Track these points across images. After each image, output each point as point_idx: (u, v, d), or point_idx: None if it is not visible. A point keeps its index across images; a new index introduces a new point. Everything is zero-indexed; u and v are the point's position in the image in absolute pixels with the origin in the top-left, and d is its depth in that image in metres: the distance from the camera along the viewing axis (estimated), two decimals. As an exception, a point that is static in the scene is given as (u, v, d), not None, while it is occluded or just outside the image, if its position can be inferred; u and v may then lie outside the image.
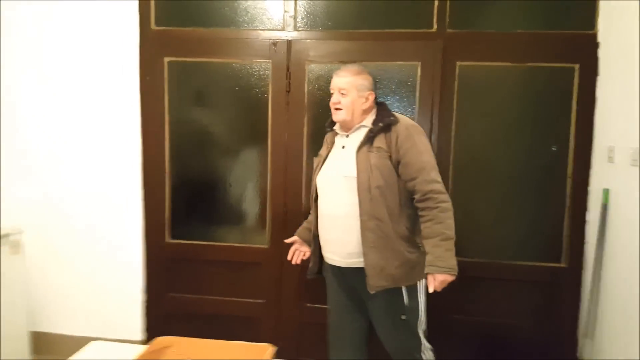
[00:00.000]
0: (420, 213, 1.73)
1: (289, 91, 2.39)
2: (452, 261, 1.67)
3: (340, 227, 1.79)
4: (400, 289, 1.76)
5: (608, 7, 2.20)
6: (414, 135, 1.76)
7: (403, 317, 1.78)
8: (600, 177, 2.24)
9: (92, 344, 1.66)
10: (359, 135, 1.80)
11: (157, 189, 2.53)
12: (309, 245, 1.99)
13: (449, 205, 1.71)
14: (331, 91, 1.85)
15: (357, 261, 1.76)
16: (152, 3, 2.46)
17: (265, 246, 2.49)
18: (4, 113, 2.60)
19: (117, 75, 2.50)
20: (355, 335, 1.93)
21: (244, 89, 2.46)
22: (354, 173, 1.73)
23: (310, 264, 1.97)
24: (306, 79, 2.38)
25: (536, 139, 2.33)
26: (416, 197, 1.72)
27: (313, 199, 1.91)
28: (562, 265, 2.34)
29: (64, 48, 2.54)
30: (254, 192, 2.51)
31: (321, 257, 1.93)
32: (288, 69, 2.39)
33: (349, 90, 1.79)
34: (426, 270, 1.68)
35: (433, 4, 2.30)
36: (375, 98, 1.86)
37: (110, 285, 2.59)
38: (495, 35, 2.30)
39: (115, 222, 2.56)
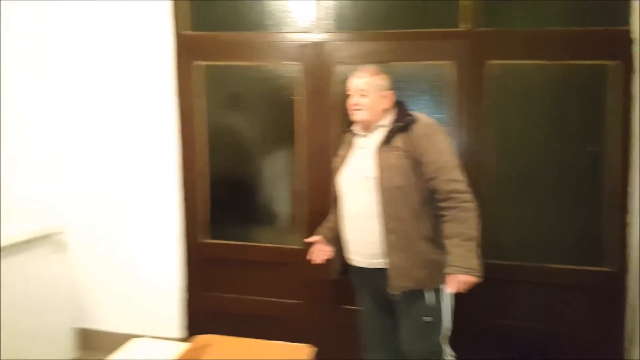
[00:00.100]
0: (442, 213, 1.71)
1: (318, 93, 2.40)
2: (474, 262, 1.64)
3: (362, 228, 1.78)
4: (424, 290, 1.74)
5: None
6: (433, 134, 1.74)
7: (426, 319, 1.75)
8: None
9: (134, 341, 1.70)
10: (379, 135, 1.80)
11: (196, 190, 2.58)
12: (331, 245, 1.99)
13: (471, 205, 1.69)
14: (348, 93, 1.85)
15: (380, 262, 1.75)
16: (185, 8, 2.50)
17: (300, 247, 2.50)
18: (57, 113, 2.69)
19: (152, 79, 2.55)
20: (387, 337, 1.92)
21: (275, 91, 2.48)
22: (374, 173, 1.72)
23: (334, 264, 1.97)
24: (335, 80, 2.38)
25: (571, 138, 2.26)
26: (438, 196, 1.70)
27: (335, 199, 1.91)
28: (605, 269, 2.26)
29: (98, 53, 2.61)
30: (288, 193, 2.53)
31: (345, 257, 1.92)
32: (317, 70, 2.39)
33: (369, 90, 1.78)
34: (446, 271, 1.66)
35: (463, 2, 2.25)
36: (394, 97, 1.85)
37: (150, 284, 2.65)
38: (526, 34, 2.23)
39: (154, 222, 2.62)
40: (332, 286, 2.45)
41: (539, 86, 2.27)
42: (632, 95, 2.16)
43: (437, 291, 1.75)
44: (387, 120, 1.81)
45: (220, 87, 2.56)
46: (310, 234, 2.42)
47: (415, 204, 1.71)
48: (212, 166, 2.58)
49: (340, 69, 2.37)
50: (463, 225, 1.66)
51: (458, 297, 1.75)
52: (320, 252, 2.03)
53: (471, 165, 2.21)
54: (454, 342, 1.84)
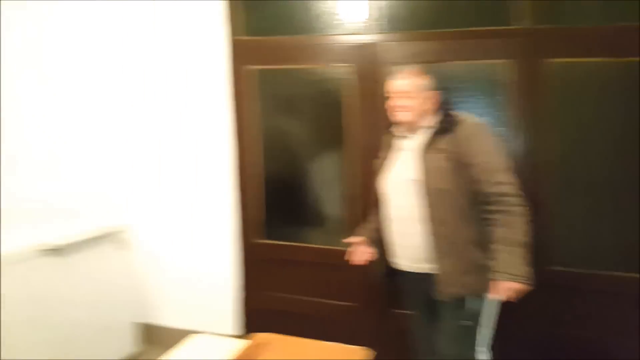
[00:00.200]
0: (490, 216, 1.65)
1: (370, 94, 2.40)
2: (522, 268, 1.58)
3: (406, 231, 1.75)
4: (470, 295, 1.69)
5: None
6: (479, 135, 1.69)
7: (464, 323, 1.70)
8: None
9: (194, 336, 1.76)
10: (422, 136, 1.76)
11: (251, 191, 2.64)
12: (374, 247, 1.96)
13: (521, 209, 1.63)
14: (388, 95, 1.83)
15: (426, 267, 1.72)
16: (239, 14, 2.56)
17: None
18: (119, 114, 2.83)
19: (208, 84, 2.63)
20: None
21: (327, 93, 2.50)
22: (418, 176, 1.69)
23: (378, 267, 1.95)
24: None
25: (636, 140, 2.12)
26: (485, 200, 1.65)
27: (377, 201, 1.89)
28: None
29: (157, 59, 2.71)
30: (340, 195, 2.54)
31: (388, 261, 1.89)
32: (369, 72, 2.39)
33: (413, 92, 1.75)
34: (492, 277, 1.61)
35: None
36: (439, 98, 1.80)
37: (208, 281, 2.74)
38: (586, 30, 2.12)
39: (210, 222, 2.71)
40: (385, 289, 2.44)
41: (601, 84, 2.16)
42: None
43: (481, 296, 1.70)
44: (431, 121, 1.77)
45: (273, 90, 2.61)
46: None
47: (461, 208, 1.67)
48: (266, 168, 2.63)
49: (391, 69, 2.36)
50: (511, 230, 1.61)
51: (509, 303, 1.69)
52: (361, 253, 2.01)
53: (529, 168, 2.14)
54: (504, 349, 1.78)
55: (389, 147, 1.92)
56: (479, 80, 2.29)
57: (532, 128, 2.20)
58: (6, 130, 2.74)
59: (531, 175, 2.15)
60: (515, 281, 1.58)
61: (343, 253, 2.49)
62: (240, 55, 2.58)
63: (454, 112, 1.78)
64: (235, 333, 2.69)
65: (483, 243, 1.68)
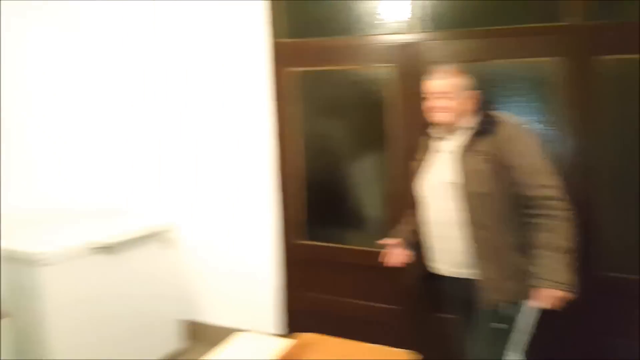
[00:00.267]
0: (532, 221, 1.60)
1: (414, 94, 2.37)
2: (565, 275, 1.53)
3: (445, 236, 1.72)
4: (512, 301, 1.65)
5: None
6: (521, 136, 1.64)
7: (497, 326, 1.65)
8: None
9: (239, 334, 1.79)
10: (462, 138, 1.72)
11: (292, 192, 2.67)
12: (410, 249, 1.94)
13: (565, 213, 1.57)
14: (426, 95, 1.79)
15: (465, 272, 1.68)
16: (281, 17, 2.58)
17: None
18: (160, 116, 2.93)
19: (250, 86, 2.67)
20: None
21: (369, 94, 2.49)
22: (457, 179, 1.65)
23: (415, 270, 1.93)
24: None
25: None
26: (527, 203, 1.60)
27: (413, 203, 1.86)
28: None
29: (198, 62, 2.78)
30: (383, 196, 2.53)
31: (426, 264, 1.87)
32: (412, 72, 2.36)
33: (452, 92, 1.70)
34: (533, 283, 1.56)
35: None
36: (478, 98, 1.76)
37: (250, 280, 2.79)
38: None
39: (253, 223, 2.75)
40: (425, 293, 2.41)
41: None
42: None
43: (523, 302, 1.65)
44: (471, 122, 1.73)
45: (315, 92, 2.62)
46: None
47: (502, 212, 1.63)
48: (308, 169, 2.65)
49: (430, 69, 2.33)
50: (555, 235, 1.55)
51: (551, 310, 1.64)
52: (396, 256, 1.99)
53: (578, 170, 2.07)
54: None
55: (426, 148, 1.89)
56: (526, 79, 2.22)
57: (582, 128, 2.12)
58: (61, 132, 2.87)
59: (581, 177, 2.08)
60: (558, 289, 1.53)
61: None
62: (282, 57, 2.61)
63: (495, 113, 1.73)
64: (277, 332, 2.73)
65: (525, 248, 1.64)
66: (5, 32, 2.53)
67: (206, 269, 2.90)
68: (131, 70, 2.95)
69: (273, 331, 2.73)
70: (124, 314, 2.50)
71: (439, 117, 1.75)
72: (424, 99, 1.83)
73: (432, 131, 1.87)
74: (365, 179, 2.60)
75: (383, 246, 2.03)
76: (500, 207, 1.62)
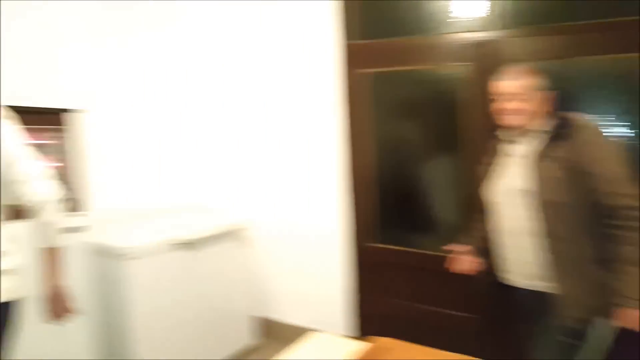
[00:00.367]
0: (613, 232, 1.47)
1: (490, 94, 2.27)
2: None
3: (518, 245, 1.62)
4: (592, 318, 1.52)
5: None
6: (602, 142, 1.51)
7: (572, 342, 1.53)
8: None
9: (315, 334, 1.79)
10: (536, 142, 1.60)
11: (363, 194, 2.65)
12: (479, 256, 1.85)
13: None
14: (496, 97, 1.68)
15: (539, 284, 1.58)
16: (353, 19, 2.58)
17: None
18: (234, 118, 3.02)
19: (320, 88, 2.68)
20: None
21: (443, 94, 2.42)
22: (530, 186, 1.55)
23: (485, 278, 1.83)
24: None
25: None
26: (608, 213, 1.47)
27: (482, 209, 1.77)
28: None
29: (267, 63, 2.84)
30: (456, 200, 2.45)
31: (496, 273, 1.77)
32: (489, 70, 2.26)
33: (525, 93, 1.59)
34: (615, 301, 1.44)
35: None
36: (554, 99, 1.63)
37: (322, 281, 2.80)
38: None
39: (324, 224, 2.76)
40: (497, 302, 2.30)
41: None
42: None
43: (602, 319, 1.52)
44: (545, 125, 1.61)
45: (387, 93, 2.59)
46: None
47: (580, 222, 1.51)
48: (379, 171, 2.62)
49: (501, 69, 2.22)
50: (638, 249, 1.42)
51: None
52: (465, 262, 1.91)
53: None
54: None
55: (496, 152, 1.79)
56: (610, 78, 2.06)
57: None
58: (146, 133, 3.05)
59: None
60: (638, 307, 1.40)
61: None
62: (354, 58, 2.60)
63: (572, 115, 1.60)
64: (348, 334, 2.72)
65: (606, 262, 1.51)
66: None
67: (279, 267, 2.95)
68: (212, 73, 3.07)
69: (343, 333, 2.73)
70: (201, 308, 2.60)
71: (510, 120, 1.65)
72: (493, 100, 1.73)
73: (502, 134, 1.77)
74: (438, 181, 2.52)
75: (452, 252, 1.97)
76: (578, 218, 1.51)
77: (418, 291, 2.56)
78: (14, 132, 1.37)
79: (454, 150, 2.41)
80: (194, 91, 3.14)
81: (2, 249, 1.38)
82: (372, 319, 2.68)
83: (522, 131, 1.66)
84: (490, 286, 1.85)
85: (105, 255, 2.32)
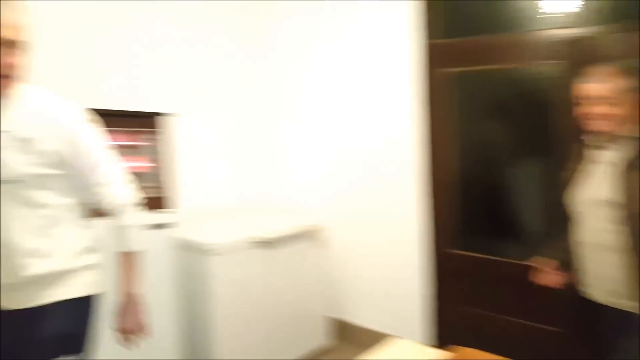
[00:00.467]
0: None
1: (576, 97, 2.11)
2: None
3: (601, 260, 1.50)
4: None
5: None
6: None
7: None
8: None
9: (395, 340, 1.76)
10: (625, 149, 1.46)
11: (443, 198, 2.58)
12: (565, 269, 1.72)
13: None
14: (583, 100, 1.54)
15: (621, 303, 1.46)
16: (436, 18, 2.52)
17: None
18: (313, 119, 3.06)
19: (400, 88, 2.64)
20: None
21: (532, 94, 2.30)
22: (618, 197, 1.42)
23: (569, 292, 1.71)
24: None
25: None
26: None
27: (566, 219, 1.65)
28: None
29: (346, 64, 2.84)
30: (543, 207, 2.31)
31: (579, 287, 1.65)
32: (581, 69, 2.11)
33: (616, 96, 1.46)
34: None
35: None
36: None
37: (397, 286, 2.76)
38: None
39: (401, 228, 2.72)
40: (581, 318, 2.13)
41: None
42: None
43: None
44: (637, 131, 1.47)
45: (472, 93, 2.51)
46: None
47: None
48: (462, 175, 2.54)
49: (586, 70, 2.05)
50: None
51: None
52: (550, 276, 1.79)
53: None
54: None
55: (581, 157, 1.66)
56: None
57: None
58: (231, 136, 3.19)
59: None
60: None
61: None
62: (436, 58, 2.54)
63: None
64: (425, 342, 2.66)
65: None
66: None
67: (354, 270, 2.95)
68: (294, 74, 3.14)
69: (419, 340, 2.67)
70: (277, 306, 2.65)
71: (597, 125, 1.52)
72: (579, 104, 1.59)
73: (589, 139, 1.64)
74: (524, 187, 2.39)
75: (536, 263, 1.86)
76: None
77: (498, 301, 2.45)
78: (98, 136, 1.41)
79: (544, 155, 2.28)
80: (276, 92, 3.23)
81: (88, 245, 1.43)
82: (449, 327, 2.60)
83: (610, 137, 1.53)
84: (574, 300, 1.74)
85: (191, 251, 2.44)
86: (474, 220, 2.55)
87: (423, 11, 2.53)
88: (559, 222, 2.13)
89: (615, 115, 1.48)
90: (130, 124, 2.27)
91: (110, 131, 2.16)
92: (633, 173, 1.43)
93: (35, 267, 1.29)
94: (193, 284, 2.46)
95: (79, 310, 1.37)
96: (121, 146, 2.28)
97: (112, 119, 2.17)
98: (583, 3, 2.12)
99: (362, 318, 2.93)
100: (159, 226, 2.32)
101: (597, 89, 1.51)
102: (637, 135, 1.48)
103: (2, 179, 1.23)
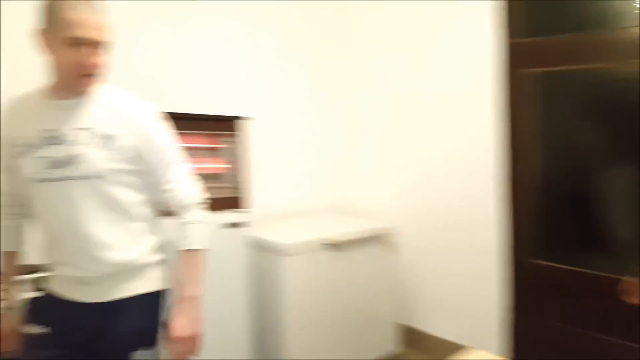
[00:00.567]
0: None
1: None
2: None
3: None
4: None
5: None
6: None
7: None
8: None
9: (471, 351, 1.69)
10: None
11: (526, 205, 2.46)
12: None
13: None
14: None
15: None
16: (519, 16, 2.41)
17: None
18: (385, 120, 3.03)
19: (476, 89, 2.56)
20: None
21: (625, 96, 2.12)
22: None
23: None
24: None
25: None
26: None
27: None
28: None
29: (420, 64, 2.79)
30: (636, 217, 2.12)
31: None
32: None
33: None
34: None
35: None
36: None
37: (472, 295, 2.67)
38: None
39: (476, 235, 2.62)
40: None
41: None
42: None
43: None
44: None
45: (557, 94, 2.37)
46: None
47: None
48: (546, 180, 2.40)
49: None
50: None
51: None
52: (638, 293, 1.65)
53: None
54: None
55: None
56: None
57: None
58: (304, 139, 3.24)
59: None
60: None
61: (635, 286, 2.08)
62: (518, 57, 2.43)
63: None
64: (500, 355, 2.53)
65: None
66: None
67: (426, 276, 2.88)
68: (365, 75, 3.12)
69: (494, 352, 2.54)
70: (346, 309, 2.64)
71: None
72: None
73: None
74: (616, 194, 2.21)
75: (628, 280, 1.73)
76: None
77: (581, 315, 2.28)
78: (169, 135, 1.44)
79: (638, 160, 2.10)
80: (349, 94, 3.24)
81: (159, 242, 1.45)
82: (527, 341, 2.45)
83: None
84: None
85: (264, 250, 2.50)
86: (557, 229, 2.40)
87: (504, 9, 2.44)
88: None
89: None
90: (210, 126, 2.36)
91: (191, 134, 2.29)
92: None
93: (114, 260, 1.32)
94: (265, 282, 2.52)
95: (153, 305, 1.39)
96: (200, 148, 2.39)
97: (193, 122, 2.27)
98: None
99: (433, 326, 2.85)
100: (234, 225, 2.40)
101: None
102: None
103: (84, 175, 1.28)
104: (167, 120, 1.44)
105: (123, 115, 1.34)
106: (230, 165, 2.43)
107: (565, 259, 2.35)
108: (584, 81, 2.28)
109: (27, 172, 1.29)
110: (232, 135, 2.42)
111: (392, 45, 2.96)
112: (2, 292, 1.44)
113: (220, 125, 2.39)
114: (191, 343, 1.38)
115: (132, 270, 1.37)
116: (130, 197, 1.36)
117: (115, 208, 1.33)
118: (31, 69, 1.66)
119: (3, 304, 1.43)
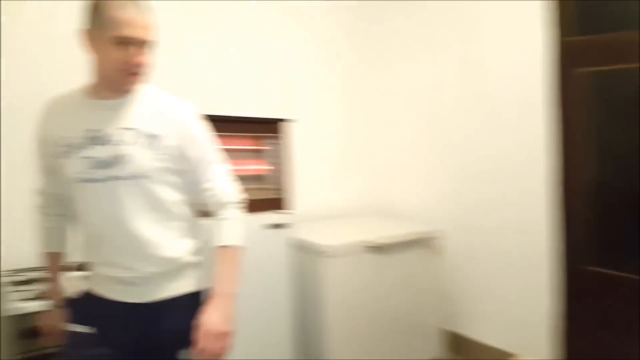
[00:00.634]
0: None
1: None
2: None
3: None
4: None
5: None
6: None
7: None
8: None
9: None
10: None
11: (580, 209, 2.36)
12: None
13: None
14: None
15: None
16: (570, 14, 2.32)
17: None
18: (426, 121, 2.98)
19: (525, 90, 2.48)
20: None
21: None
22: None
23: None
24: None
25: None
26: None
27: None
28: None
29: (468, 61, 2.72)
30: None
31: None
32: None
33: None
34: None
35: None
36: None
37: (521, 302, 2.58)
38: None
39: (525, 239, 2.53)
40: None
41: None
42: None
43: None
44: None
45: (609, 94, 2.26)
46: None
47: None
48: (601, 184, 2.29)
49: None
50: None
51: None
52: None
53: None
54: None
55: None
56: None
57: None
58: (345, 144, 3.24)
59: None
60: None
61: None
62: (571, 56, 2.33)
63: None
64: (550, 364, 2.44)
65: None
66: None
67: (471, 281, 2.81)
68: (411, 76, 3.08)
69: (545, 362, 2.45)
70: (389, 313, 2.61)
71: None
72: None
73: None
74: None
75: None
76: None
77: (638, 326, 2.15)
78: (209, 135, 1.43)
79: None
80: (393, 97, 3.21)
81: (198, 242, 1.45)
82: (578, 351, 2.34)
83: None
84: None
85: (307, 251, 2.51)
86: (612, 234, 2.28)
87: (556, 6, 2.35)
88: None
89: None
90: (254, 129, 2.41)
91: (236, 136, 2.34)
92: None
93: (162, 257, 1.33)
94: (307, 283, 2.53)
95: (195, 304, 1.38)
96: (245, 150, 2.44)
97: (238, 125, 2.32)
98: None
99: (480, 333, 2.77)
100: (277, 226, 2.42)
101: None
102: None
103: (131, 175, 1.28)
104: (212, 123, 1.46)
105: (166, 115, 1.35)
106: (273, 167, 2.47)
107: (619, 266, 2.24)
108: (639, 80, 2.16)
109: (71, 173, 1.30)
110: (276, 138, 2.45)
111: (440, 46, 2.91)
112: (47, 291, 1.49)
113: (264, 128, 2.44)
114: (221, 340, 1.32)
115: (175, 270, 1.37)
116: (173, 196, 1.36)
117: (159, 207, 1.33)
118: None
119: (48, 302, 1.48)
